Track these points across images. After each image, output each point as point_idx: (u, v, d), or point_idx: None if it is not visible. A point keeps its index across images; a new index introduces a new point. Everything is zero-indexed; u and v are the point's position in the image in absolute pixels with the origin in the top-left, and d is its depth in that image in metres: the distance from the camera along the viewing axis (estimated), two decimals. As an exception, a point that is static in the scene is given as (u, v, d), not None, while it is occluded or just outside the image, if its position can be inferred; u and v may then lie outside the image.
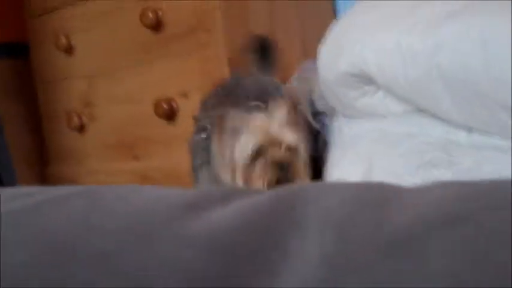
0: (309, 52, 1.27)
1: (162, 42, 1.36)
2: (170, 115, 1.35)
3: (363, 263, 0.25)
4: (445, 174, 0.81)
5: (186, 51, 1.32)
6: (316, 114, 1.19)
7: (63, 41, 1.55)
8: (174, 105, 1.35)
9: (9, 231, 0.30)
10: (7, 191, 0.34)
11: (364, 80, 0.93)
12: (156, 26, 1.34)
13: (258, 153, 0.94)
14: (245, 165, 0.94)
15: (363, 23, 0.95)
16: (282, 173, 0.94)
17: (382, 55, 0.88)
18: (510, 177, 0.28)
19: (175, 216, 0.31)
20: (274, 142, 0.94)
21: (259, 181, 0.93)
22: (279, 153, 0.94)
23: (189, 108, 1.27)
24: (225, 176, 0.97)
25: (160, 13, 1.33)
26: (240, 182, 0.95)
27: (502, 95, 0.74)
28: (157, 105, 1.35)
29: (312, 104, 1.19)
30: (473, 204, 0.27)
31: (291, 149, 0.95)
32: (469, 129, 0.85)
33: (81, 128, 1.57)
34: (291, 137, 0.95)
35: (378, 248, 0.26)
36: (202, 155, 1.02)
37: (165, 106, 1.34)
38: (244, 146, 0.94)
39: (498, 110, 0.77)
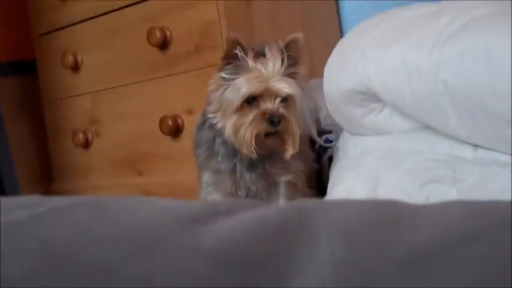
0: (316, 66, 1.27)
1: (168, 60, 1.37)
2: (175, 131, 1.35)
3: (372, 275, 0.25)
4: (449, 191, 0.81)
5: (191, 68, 1.32)
6: (322, 132, 1.19)
7: (70, 58, 1.56)
8: (180, 121, 1.35)
9: (11, 240, 0.30)
10: (10, 201, 0.34)
11: (370, 97, 0.93)
12: (163, 44, 1.35)
13: (250, 104, 0.94)
14: (236, 112, 0.93)
15: (366, 40, 0.95)
16: (272, 126, 0.92)
17: (386, 72, 0.88)
18: None
19: (180, 227, 0.31)
20: (269, 93, 0.93)
21: (247, 131, 0.92)
22: (271, 106, 0.93)
23: (194, 124, 1.27)
24: (217, 121, 0.96)
25: (167, 32, 1.35)
26: (229, 129, 0.94)
27: (507, 111, 0.74)
28: (162, 122, 1.35)
29: (318, 121, 1.19)
30: (481, 222, 0.27)
31: (285, 103, 0.94)
32: (475, 145, 0.85)
33: (87, 145, 1.58)
34: (285, 89, 0.94)
35: (388, 264, 0.26)
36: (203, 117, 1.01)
37: (170, 123, 1.34)
38: (237, 89, 0.93)
39: (504, 126, 0.77)
